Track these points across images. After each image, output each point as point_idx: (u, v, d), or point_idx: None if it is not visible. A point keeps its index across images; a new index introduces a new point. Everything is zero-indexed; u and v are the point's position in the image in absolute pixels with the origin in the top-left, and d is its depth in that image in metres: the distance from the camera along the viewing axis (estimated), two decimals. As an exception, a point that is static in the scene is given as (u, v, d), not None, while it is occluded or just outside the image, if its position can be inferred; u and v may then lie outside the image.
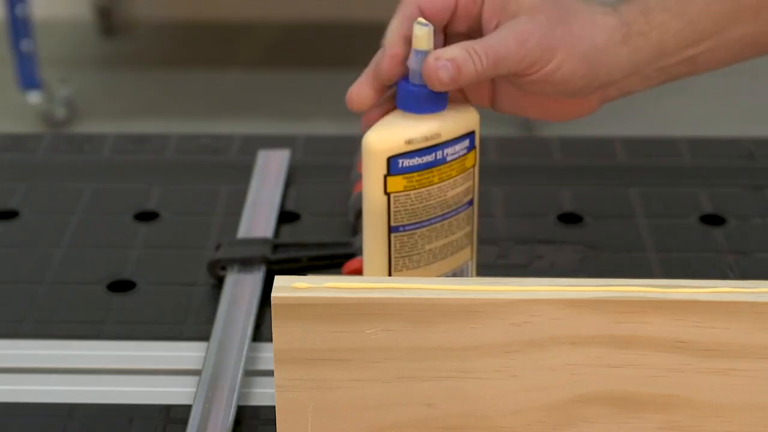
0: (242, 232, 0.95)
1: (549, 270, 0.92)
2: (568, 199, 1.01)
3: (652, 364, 0.67)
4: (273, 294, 0.66)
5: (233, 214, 0.98)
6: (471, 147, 0.80)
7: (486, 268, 0.92)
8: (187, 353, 0.83)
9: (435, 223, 0.79)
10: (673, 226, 0.97)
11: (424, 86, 0.76)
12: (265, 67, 2.98)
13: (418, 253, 0.80)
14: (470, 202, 0.82)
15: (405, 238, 0.79)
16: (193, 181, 1.04)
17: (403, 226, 0.79)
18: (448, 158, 0.78)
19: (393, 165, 0.77)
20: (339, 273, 0.90)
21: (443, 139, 0.78)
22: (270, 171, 1.03)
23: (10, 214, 0.99)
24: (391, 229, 0.79)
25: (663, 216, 0.98)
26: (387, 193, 0.77)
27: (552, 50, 0.77)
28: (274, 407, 0.69)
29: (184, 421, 0.76)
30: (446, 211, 0.80)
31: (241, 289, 0.88)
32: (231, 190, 1.02)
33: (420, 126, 0.77)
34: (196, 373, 0.81)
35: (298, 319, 0.66)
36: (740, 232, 0.96)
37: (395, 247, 0.79)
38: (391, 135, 0.77)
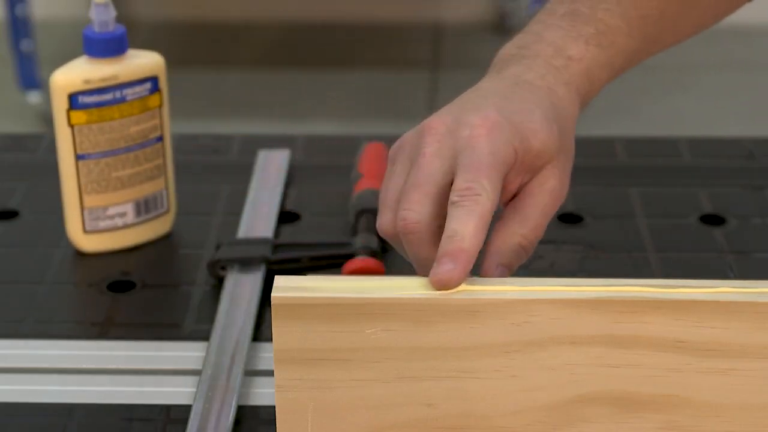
0: (242, 232, 0.95)
1: (549, 270, 0.92)
2: (568, 199, 1.01)
3: (652, 364, 0.67)
4: (273, 294, 0.66)
5: (233, 214, 0.98)
6: (154, 89, 0.92)
7: (486, 268, 0.92)
8: (187, 353, 0.83)
9: (120, 153, 0.92)
10: (673, 226, 0.97)
11: (102, 33, 0.90)
12: (265, 67, 2.98)
13: (106, 180, 0.93)
14: (159, 138, 0.94)
15: (92, 165, 0.92)
16: (193, 181, 1.04)
17: (89, 154, 0.91)
18: (128, 98, 0.91)
19: (74, 101, 0.90)
20: (339, 273, 0.90)
21: (121, 80, 0.91)
22: (270, 171, 1.03)
23: (10, 214, 0.99)
24: (78, 157, 0.91)
25: (663, 216, 0.98)
26: (71, 125, 0.91)
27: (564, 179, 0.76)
28: (274, 407, 0.69)
29: (184, 421, 0.76)
30: (131, 144, 0.92)
31: (241, 289, 0.88)
32: (231, 190, 1.02)
33: (98, 69, 0.90)
34: (196, 373, 0.81)
35: (298, 319, 0.66)
36: (740, 232, 0.96)
37: (83, 172, 0.92)
38: (71, 75, 0.90)
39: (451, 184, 0.71)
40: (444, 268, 0.67)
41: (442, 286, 0.67)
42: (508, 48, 0.80)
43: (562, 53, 0.78)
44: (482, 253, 0.71)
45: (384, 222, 0.73)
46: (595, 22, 0.79)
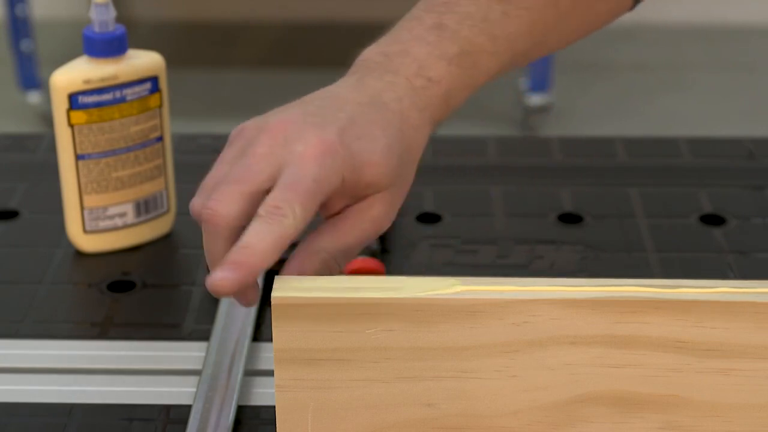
0: (242, 232, 0.95)
1: (549, 270, 0.92)
2: (568, 199, 1.01)
3: (652, 364, 0.67)
4: (273, 294, 0.66)
5: (233, 214, 0.98)
6: (154, 89, 0.92)
7: (486, 268, 0.92)
8: (187, 353, 0.83)
9: (120, 153, 0.92)
10: (673, 226, 0.97)
11: (102, 33, 0.90)
12: (265, 67, 2.98)
13: (106, 180, 0.92)
14: (159, 138, 0.93)
15: (92, 165, 0.92)
16: (193, 181, 1.03)
17: (89, 154, 0.91)
18: (128, 98, 0.91)
19: (74, 101, 0.90)
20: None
21: (121, 80, 0.90)
22: (270, 171, 1.03)
23: (10, 214, 0.99)
24: (78, 157, 0.91)
25: (663, 216, 0.98)
26: (71, 125, 0.90)
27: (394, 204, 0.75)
28: (274, 407, 0.69)
29: (184, 421, 0.76)
30: (131, 144, 0.92)
31: (241, 289, 0.88)
32: (231, 190, 1.02)
33: (97, 69, 0.90)
34: (196, 373, 0.81)
35: (298, 319, 0.66)
36: (740, 232, 0.96)
37: (83, 172, 0.92)
38: (71, 75, 0.90)
39: (268, 191, 0.70)
40: (221, 275, 0.67)
41: (213, 290, 0.67)
42: (373, 52, 0.79)
43: (424, 73, 0.77)
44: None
45: (194, 203, 0.72)
46: (460, 41, 0.78)
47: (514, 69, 0.83)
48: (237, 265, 0.67)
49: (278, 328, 0.67)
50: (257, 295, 0.72)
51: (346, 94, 0.76)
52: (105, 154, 0.92)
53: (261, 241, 0.68)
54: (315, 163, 0.70)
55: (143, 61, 0.92)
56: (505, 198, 1.01)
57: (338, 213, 0.74)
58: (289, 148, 0.71)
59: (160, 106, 0.93)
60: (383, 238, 0.95)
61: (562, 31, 0.84)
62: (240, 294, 0.71)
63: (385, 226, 0.74)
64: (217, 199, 0.70)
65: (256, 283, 0.71)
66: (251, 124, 0.75)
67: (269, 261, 0.68)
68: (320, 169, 0.70)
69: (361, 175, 0.72)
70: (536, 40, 0.82)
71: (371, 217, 0.74)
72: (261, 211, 0.69)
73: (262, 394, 0.80)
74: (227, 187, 0.70)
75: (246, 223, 0.69)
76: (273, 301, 0.66)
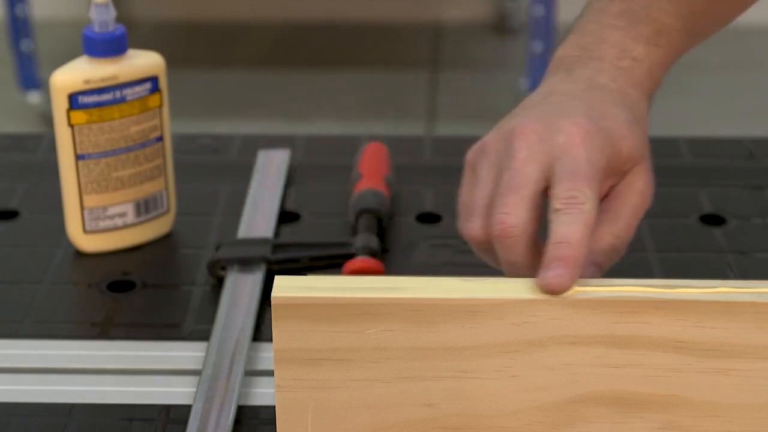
0: (242, 232, 0.95)
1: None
2: (568, 199, 1.01)
3: (652, 364, 0.67)
4: (273, 294, 0.66)
5: (233, 214, 0.98)
6: (154, 89, 0.92)
7: (486, 268, 0.92)
8: (187, 353, 0.83)
9: (120, 153, 0.92)
10: (673, 226, 0.97)
11: (102, 33, 0.90)
12: (265, 67, 2.98)
13: (106, 180, 0.92)
14: (159, 138, 0.93)
15: (92, 165, 0.92)
16: (193, 181, 1.04)
17: (89, 154, 0.91)
18: (128, 98, 0.91)
19: (74, 101, 0.90)
20: (339, 273, 0.90)
21: (121, 80, 0.90)
22: (270, 171, 1.03)
23: (10, 214, 0.99)
24: (78, 157, 0.91)
25: (663, 216, 0.98)
26: (71, 125, 0.90)
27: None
28: (274, 407, 0.69)
29: (184, 421, 0.76)
30: (131, 144, 0.92)
31: (241, 289, 0.88)
32: (231, 190, 1.02)
33: (97, 69, 0.90)
34: (196, 373, 0.81)
35: (298, 319, 0.66)
36: (740, 232, 0.96)
37: (83, 172, 0.92)
38: (71, 75, 0.90)
39: (544, 190, 0.72)
40: (555, 273, 0.67)
41: (552, 290, 0.67)
42: (568, 48, 0.80)
43: (627, 54, 0.79)
44: None
45: (474, 228, 0.73)
46: (652, 22, 0.80)
47: (692, 48, 0.84)
48: (564, 261, 0.68)
49: (278, 328, 0.67)
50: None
51: (564, 87, 0.77)
52: (105, 154, 0.92)
53: (574, 232, 0.69)
54: (583, 148, 0.72)
55: (143, 61, 0.92)
56: (505, 198, 1.01)
57: (604, 197, 0.75)
58: (550, 143, 0.72)
59: (160, 106, 0.93)
60: (383, 238, 0.95)
61: (726, 10, 0.86)
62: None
63: (651, 197, 0.76)
64: (505, 212, 0.71)
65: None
66: (491, 139, 0.75)
67: (586, 250, 0.69)
68: (589, 153, 0.72)
69: (619, 150, 0.73)
70: (712, 19, 0.84)
71: (638, 190, 0.75)
72: (558, 205, 0.70)
73: (262, 394, 0.80)
74: (507, 198, 0.71)
75: (536, 228, 0.71)
76: (273, 301, 0.66)
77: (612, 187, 0.75)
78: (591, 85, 0.77)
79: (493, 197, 0.72)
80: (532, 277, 0.69)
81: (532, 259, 0.71)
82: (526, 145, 0.73)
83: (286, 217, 0.99)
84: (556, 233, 0.69)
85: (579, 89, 0.77)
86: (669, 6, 0.81)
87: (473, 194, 0.74)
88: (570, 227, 0.69)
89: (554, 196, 0.70)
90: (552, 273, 0.67)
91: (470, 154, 0.76)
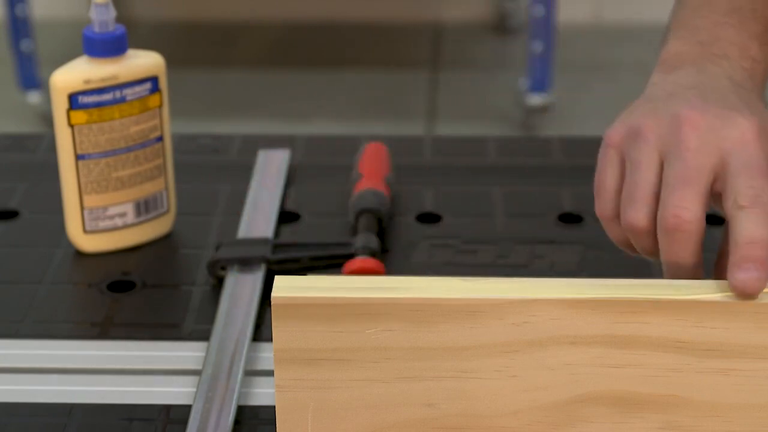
0: (242, 232, 0.95)
1: (549, 270, 0.92)
2: (568, 199, 1.01)
3: (652, 364, 0.67)
4: (273, 294, 0.66)
5: (233, 214, 0.98)
6: (154, 89, 0.92)
7: (486, 268, 0.92)
8: (187, 353, 0.83)
9: (120, 153, 0.92)
10: (673, 226, 0.97)
11: (102, 33, 0.90)
12: (265, 67, 2.98)
13: (106, 180, 0.93)
14: (159, 138, 0.94)
15: (92, 165, 0.92)
16: (193, 181, 1.04)
17: (89, 154, 0.91)
18: (128, 98, 0.91)
19: (74, 101, 0.90)
20: (339, 273, 0.90)
21: (121, 80, 0.91)
22: (270, 171, 1.03)
23: (10, 214, 0.99)
24: (78, 157, 0.91)
25: (663, 216, 0.98)
26: (71, 125, 0.91)
27: None
28: (274, 407, 0.69)
29: (184, 421, 0.76)
30: (131, 144, 0.92)
31: (241, 289, 0.88)
32: (231, 190, 1.02)
33: (97, 69, 0.90)
34: (196, 373, 0.81)
35: (298, 319, 0.66)
36: (740, 232, 0.96)
37: (83, 172, 0.92)
38: (71, 75, 0.90)
39: (712, 183, 0.70)
40: (748, 275, 0.66)
41: (745, 292, 0.66)
42: (683, 45, 0.78)
43: (747, 54, 0.77)
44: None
45: (638, 217, 0.71)
46: (762, 20, 0.78)
47: None
48: (758, 263, 0.66)
49: (278, 328, 0.67)
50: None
51: (707, 81, 0.75)
52: (105, 154, 0.92)
53: (764, 232, 0.67)
54: (758, 145, 0.70)
55: (143, 61, 0.92)
56: (505, 198, 1.01)
57: None
58: (722, 135, 0.70)
59: (160, 106, 0.93)
60: (383, 238, 0.95)
61: None
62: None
63: None
64: (681, 205, 0.69)
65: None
66: (651, 123, 0.72)
67: None
68: (763, 150, 0.70)
69: None
70: None
71: None
72: (743, 202, 0.68)
73: (262, 394, 0.80)
74: (685, 192, 0.69)
75: (705, 223, 0.69)
76: (273, 301, 0.66)
77: None
78: (733, 85, 0.75)
79: (658, 186, 0.70)
80: (693, 277, 0.68)
81: (699, 258, 0.69)
82: (696, 134, 0.70)
83: (286, 217, 0.99)
84: (742, 232, 0.67)
85: (722, 85, 0.74)
86: None
87: (634, 180, 0.71)
88: (759, 227, 0.67)
89: (735, 191, 0.68)
90: (746, 275, 0.66)
91: (615, 136, 0.74)
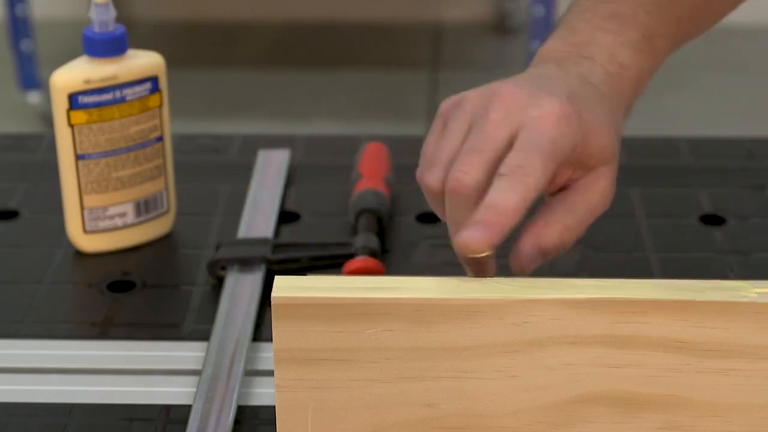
0: (242, 232, 0.95)
1: (549, 270, 0.92)
2: (568, 199, 1.01)
3: (652, 364, 0.67)
4: (273, 294, 0.66)
5: (233, 214, 0.98)
6: (154, 89, 0.92)
7: (486, 268, 0.92)
8: (187, 353, 0.83)
9: (120, 153, 0.92)
10: (673, 226, 0.97)
11: (102, 33, 0.90)
12: (265, 67, 2.98)
13: (106, 180, 0.92)
14: (159, 138, 0.93)
15: (92, 165, 0.92)
16: (193, 181, 1.04)
17: (89, 154, 0.91)
18: (128, 98, 0.91)
19: (74, 101, 0.90)
20: (339, 273, 0.90)
21: (121, 80, 0.91)
22: (270, 171, 1.03)
23: (10, 214, 0.99)
24: (78, 157, 0.91)
25: (663, 216, 0.98)
26: (71, 125, 0.90)
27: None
28: (274, 407, 0.69)
29: (184, 421, 0.76)
30: (131, 144, 0.92)
31: (241, 289, 0.88)
32: (231, 190, 1.02)
33: (97, 69, 0.90)
34: (196, 373, 0.81)
35: (298, 319, 0.66)
36: (740, 232, 0.96)
37: (83, 172, 0.92)
38: (71, 75, 0.90)
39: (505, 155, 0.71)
40: (472, 233, 0.68)
41: (462, 248, 0.68)
42: (557, 44, 0.80)
43: (615, 60, 0.79)
44: (517, 234, 0.72)
45: (433, 179, 0.73)
46: (640, 27, 0.80)
47: (674, 52, 0.85)
48: (486, 225, 0.68)
49: (278, 328, 0.67)
50: (494, 268, 0.71)
51: (557, 75, 0.77)
52: (105, 154, 0.92)
53: (507, 200, 0.68)
54: (553, 126, 0.71)
55: (143, 61, 0.92)
56: (505, 198, 1.01)
57: (561, 189, 0.75)
58: (526, 112, 0.72)
59: (160, 106, 0.93)
60: (383, 238, 0.95)
61: (710, 14, 0.86)
62: (478, 266, 0.71)
63: (609, 201, 0.76)
64: (463, 170, 0.70)
65: (493, 256, 0.71)
66: (473, 95, 0.75)
67: (515, 221, 0.69)
68: (558, 132, 0.71)
69: (589, 143, 0.73)
70: (695, 23, 0.84)
71: (599, 190, 0.75)
72: (503, 170, 0.70)
73: (262, 394, 0.80)
74: (472, 158, 0.71)
75: (487, 187, 0.70)
76: (273, 301, 0.66)
77: (574, 180, 0.75)
78: (582, 81, 0.77)
79: (457, 152, 0.72)
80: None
81: None
82: (503, 107, 0.72)
83: (286, 217, 0.99)
84: (489, 197, 0.69)
85: (570, 80, 0.77)
86: (655, 10, 0.81)
87: (440, 145, 0.74)
88: (505, 194, 0.69)
89: (505, 161, 0.70)
90: (468, 233, 0.68)
91: (445, 105, 0.76)
